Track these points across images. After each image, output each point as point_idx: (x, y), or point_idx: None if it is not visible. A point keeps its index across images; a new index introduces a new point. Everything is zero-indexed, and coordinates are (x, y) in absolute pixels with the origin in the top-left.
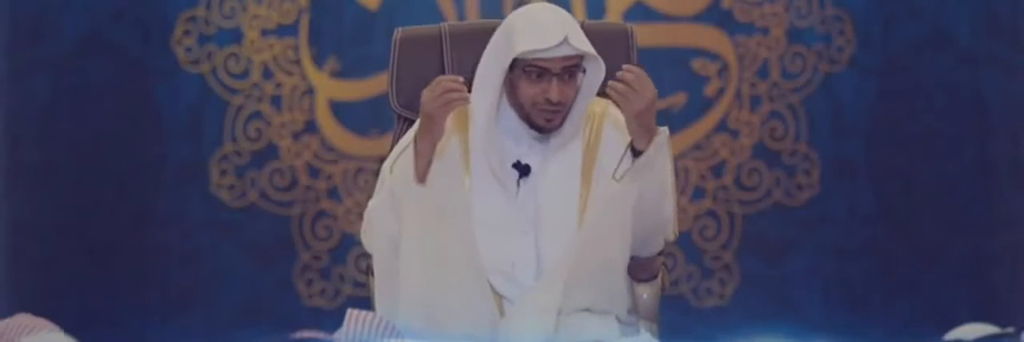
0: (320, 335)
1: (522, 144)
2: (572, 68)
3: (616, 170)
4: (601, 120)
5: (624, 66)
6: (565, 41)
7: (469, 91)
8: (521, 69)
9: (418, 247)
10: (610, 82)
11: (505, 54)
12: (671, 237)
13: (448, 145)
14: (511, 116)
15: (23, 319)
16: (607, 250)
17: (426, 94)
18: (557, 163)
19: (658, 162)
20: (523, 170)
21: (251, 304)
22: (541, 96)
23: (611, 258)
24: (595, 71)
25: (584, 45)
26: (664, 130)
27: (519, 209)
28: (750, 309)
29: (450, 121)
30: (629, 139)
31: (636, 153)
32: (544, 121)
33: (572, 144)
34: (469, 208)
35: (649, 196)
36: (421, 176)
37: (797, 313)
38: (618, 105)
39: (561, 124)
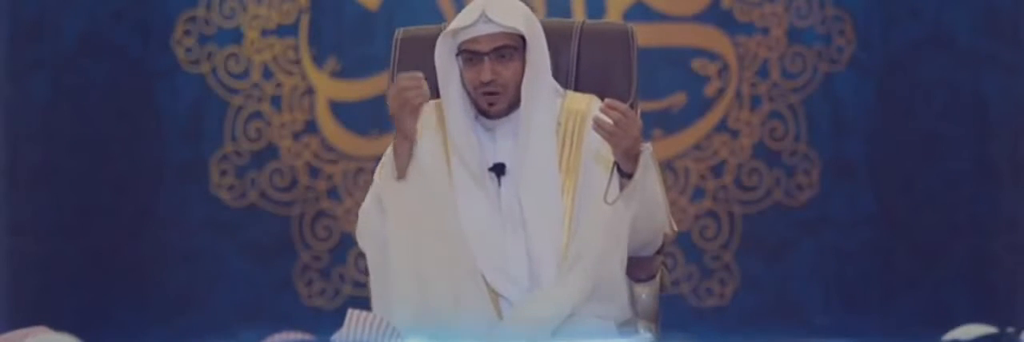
0: (302, 336)
1: (493, 141)
2: (504, 49)
3: (607, 193)
4: (584, 117)
5: (606, 102)
6: (484, 18)
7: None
8: (461, 59)
9: (407, 246)
10: (595, 117)
11: (449, 47)
12: (669, 231)
13: (430, 144)
14: (473, 111)
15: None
16: (606, 269)
17: (388, 94)
18: (533, 158)
19: (648, 182)
20: (499, 169)
21: (251, 304)
22: (477, 79)
23: (610, 273)
24: (536, 49)
25: (509, 20)
26: (648, 147)
27: (504, 208)
28: (750, 309)
29: (433, 120)
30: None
31: (623, 173)
32: (486, 105)
33: (544, 137)
34: (454, 205)
35: (644, 213)
36: (401, 172)
37: (797, 313)
38: (607, 141)
39: (507, 108)
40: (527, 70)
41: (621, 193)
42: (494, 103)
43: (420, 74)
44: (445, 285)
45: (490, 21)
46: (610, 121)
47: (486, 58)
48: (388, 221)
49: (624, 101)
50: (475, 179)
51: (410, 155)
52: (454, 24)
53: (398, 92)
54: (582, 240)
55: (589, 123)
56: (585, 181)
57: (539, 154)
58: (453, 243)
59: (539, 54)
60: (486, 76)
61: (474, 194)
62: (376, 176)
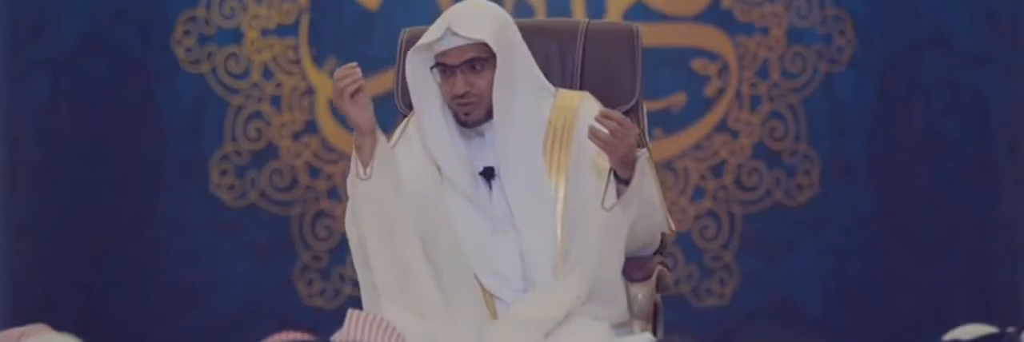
0: (302, 336)
1: (483, 146)
2: (474, 61)
3: (604, 199)
4: (575, 113)
5: (601, 111)
6: (449, 32)
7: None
8: (437, 72)
9: (388, 247)
10: (590, 126)
11: (422, 60)
12: (668, 231)
13: (418, 153)
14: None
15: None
16: (604, 272)
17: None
18: (519, 161)
19: (645, 187)
20: (488, 173)
21: (251, 304)
22: (452, 92)
23: (608, 276)
24: (506, 57)
25: (475, 32)
26: (644, 152)
27: (496, 211)
28: (750, 309)
29: (418, 131)
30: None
31: (620, 179)
32: (463, 115)
33: (530, 140)
34: (444, 208)
35: (641, 215)
36: (365, 169)
37: (797, 313)
38: (603, 150)
39: (486, 114)
40: (496, 78)
41: (619, 200)
42: (469, 112)
43: (354, 63)
44: (439, 287)
45: (456, 35)
46: (605, 131)
47: (458, 71)
48: (364, 225)
49: (629, 100)
50: (464, 184)
51: (372, 150)
52: (423, 39)
53: (334, 84)
54: (581, 245)
55: (580, 118)
56: (578, 179)
57: (525, 156)
58: (446, 245)
59: (510, 61)
60: (459, 89)
61: (464, 199)
62: (348, 184)
